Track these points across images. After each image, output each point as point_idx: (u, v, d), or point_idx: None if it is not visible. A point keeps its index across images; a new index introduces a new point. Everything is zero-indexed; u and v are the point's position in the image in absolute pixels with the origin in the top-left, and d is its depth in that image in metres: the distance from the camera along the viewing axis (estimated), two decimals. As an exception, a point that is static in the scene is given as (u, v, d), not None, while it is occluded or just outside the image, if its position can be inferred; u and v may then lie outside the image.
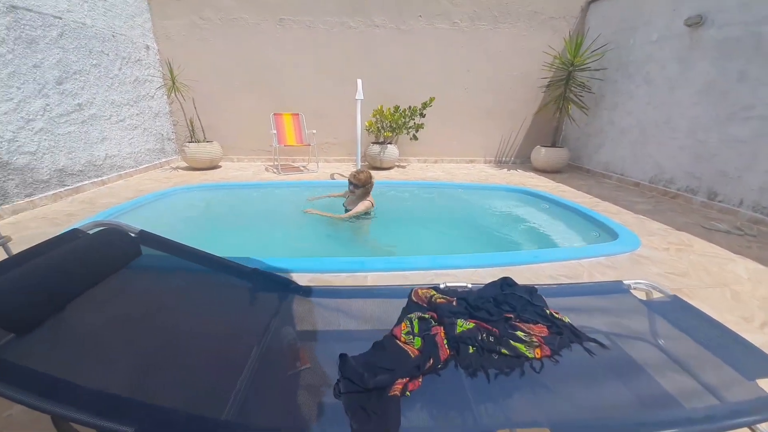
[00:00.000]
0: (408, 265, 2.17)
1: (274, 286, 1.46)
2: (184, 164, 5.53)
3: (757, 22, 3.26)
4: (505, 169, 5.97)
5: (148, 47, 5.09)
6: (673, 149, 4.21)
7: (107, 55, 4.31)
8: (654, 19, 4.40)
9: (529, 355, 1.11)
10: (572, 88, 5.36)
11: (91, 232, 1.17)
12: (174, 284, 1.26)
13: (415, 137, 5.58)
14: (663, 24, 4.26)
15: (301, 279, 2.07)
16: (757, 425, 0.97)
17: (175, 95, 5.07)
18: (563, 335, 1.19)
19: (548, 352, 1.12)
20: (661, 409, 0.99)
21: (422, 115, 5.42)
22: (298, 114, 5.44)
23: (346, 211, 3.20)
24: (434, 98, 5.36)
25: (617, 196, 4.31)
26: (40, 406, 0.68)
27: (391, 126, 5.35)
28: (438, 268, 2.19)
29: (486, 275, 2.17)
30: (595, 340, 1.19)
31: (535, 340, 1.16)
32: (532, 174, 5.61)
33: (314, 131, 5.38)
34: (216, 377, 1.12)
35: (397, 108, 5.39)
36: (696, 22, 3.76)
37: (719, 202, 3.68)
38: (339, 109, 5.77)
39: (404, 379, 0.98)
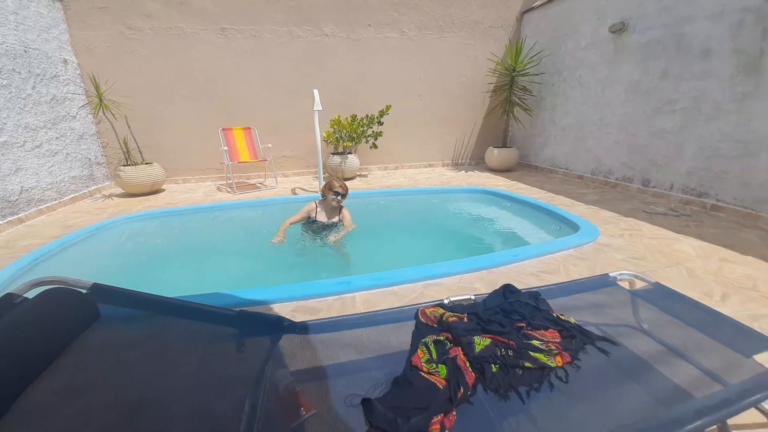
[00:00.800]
0: (396, 279, 2.09)
1: (263, 327, 1.29)
2: (119, 191, 4.91)
3: (677, 23, 3.71)
4: (463, 171, 6.18)
5: (66, 61, 4.46)
6: (608, 143, 4.65)
7: (19, 73, 3.70)
8: (581, 27, 4.86)
9: (552, 365, 1.09)
10: (515, 92, 5.72)
11: (29, 295, 0.93)
12: (146, 344, 1.04)
13: (374, 145, 5.55)
14: (590, 31, 4.72)
15: (285, 308, 1.90)
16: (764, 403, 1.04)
17: (104, 114, 4.50)
18: (576, 338, 1.20)
19: (569, 359, 1.11)
20: (677, 404, 1.01)
21: (380, 123, 5.42)
22: (249, 128, 5.13)
23: (325, 225, 3.08)
24: (390, 106, 5.39)
25: (567, 189, 4.65)
26: None
27: (350, 135, 5.27)
28: (426, 279, 2.14)
29: (473, 280, 2.18)
30: (606, 339, 1.21)
31: (552, 347, 1.15)
32: (488, 174, 5.86)
33: (270, 145, 5.11)
34: None
35: (354, 117, 5.32)
36: (619, 29, 4.21)
37: (653, 187, 4.12)
38: (293, 121, 5.55)
39: (439, 416, 0.90)
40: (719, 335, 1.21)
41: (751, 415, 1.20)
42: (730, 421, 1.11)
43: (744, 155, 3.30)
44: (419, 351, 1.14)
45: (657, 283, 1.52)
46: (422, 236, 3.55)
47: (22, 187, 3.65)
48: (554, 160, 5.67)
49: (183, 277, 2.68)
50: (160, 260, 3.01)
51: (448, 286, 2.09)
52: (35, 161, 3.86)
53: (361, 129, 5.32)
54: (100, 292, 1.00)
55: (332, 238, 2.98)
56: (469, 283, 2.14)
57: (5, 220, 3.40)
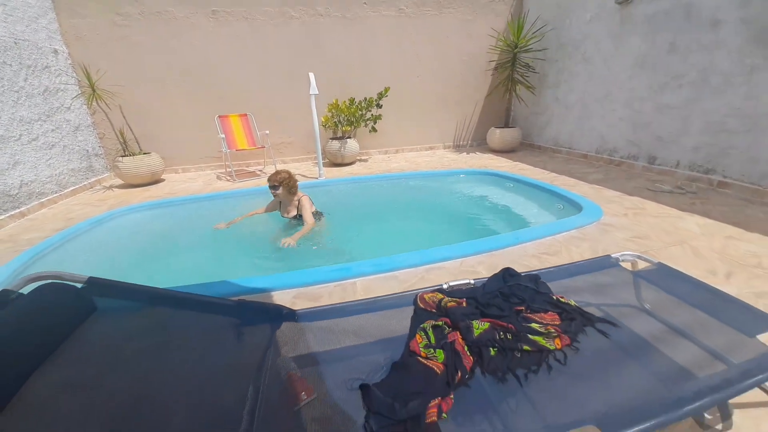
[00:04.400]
0: (397, 264, 2.09)
1: (263, 316, 1.30)
2: (119, 182, 4.90)
3: None
4: (465, 153, 6.09)
5: (56, 51, 4.37)
6: (613, 120, 4.54)
7: (10, 65, 3.63)
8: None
9: (550, 347, 1.09)
10: (518, 69, 5.56)
11: (24, 290, 0.93)
12: (144, 336, 1.05)
13: (374, 129, 5.46)
14: (595, 3, 4.52)
15: (286, 295, 1.91)
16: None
17: (97, 104, 4.44)
18: (576, 320, 1.19)
19: (567, 341, 1.11)
20: (679, 384, 1.00)
21: (379, 106, 5.31)
22: (246, 114, 5.05)
23: (289, 220, 3.00)
24: (389, 88, 5.26)
25: (570, 168, 4.57)
26: None
27: (348, 120, 5.18)
28: (427, 263, 2.13)
29: (474, 263, 2.17)
30: (605, 320, 1.20)
31: (551, 330, 1.14)
32: (490, 155, 5.77)
33: (267, 132, 5.04)
34: (214, 429, 0.96)
35: (352, 101, 5.21)
36: (626, 0, 4.02)
37: (658, 165, 4.04)
38: (291, 106, 5.45)
39: (437, 400, 0.90)
40: (723, 315, 1.19)
41: (754, 395, 1.20)
42: (732, 400, 1.10)
43: (752, 130, 3.20)
44: (417, 336, 1.14)
45: (660, 262, 1.50)
46: (423, 220, 3.53)
47: (22, 180, 3.65)
48: (558, 139, 5.56)
49: (188, 265, 2.70)
50: (163, 250, 3.03)
51: (449, 270, 2.09)
52: (33, 154, 3.84)
53: (360, 113, 5.22)
54: (95, 285, 1.00)
55: (286, 240, 2.59)
56: (471, 267, 2.13)
57: (7, 215, 3.41)
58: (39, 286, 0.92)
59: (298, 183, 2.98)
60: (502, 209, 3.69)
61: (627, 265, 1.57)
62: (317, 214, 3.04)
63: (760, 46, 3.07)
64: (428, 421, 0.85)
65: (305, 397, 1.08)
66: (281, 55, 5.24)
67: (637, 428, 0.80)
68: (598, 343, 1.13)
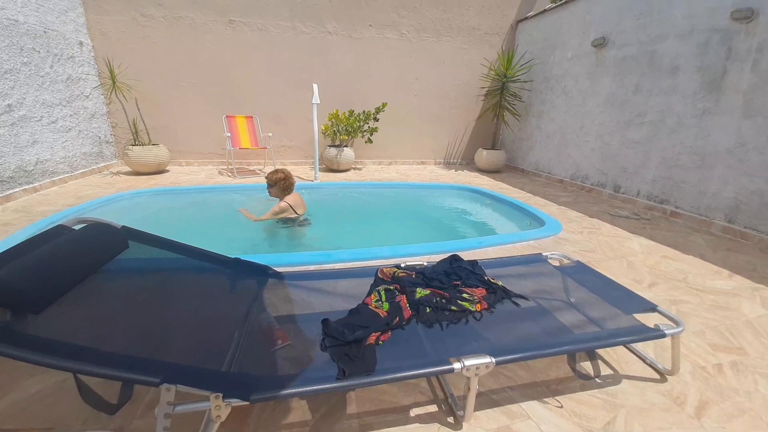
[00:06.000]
0: (372, 255, 2.41)
1: (253, 272, 1.61)
2: (126, 169, 5.21)
3: (650, 41, 4.03)
4: (453, 170, 6.50)
5: (81, 43, 4.74)
6: (586, 151, 4.98)
7: (38, 52, 3.98)
8: (569, 39, 5.17)
9: (472, 309, 1.41)
10: (506, 98, 6.04)
11: (75, 227, 1.24)
12: (162, 274, 1.36)
13: (369, 140, 5.86)
14: (576, 44, 5.03)
15: (272, 272, 2.22)
16: (632, 344, 1.37)
17: (115, 95, 4.79)
18: (497, 294, 1.52)
19: (486, 306, 1.44)
20: (557, 335, 1.33)
21: (376, 119, 5.72)
22: (252, 116, 5.43)
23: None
24: (386, 104, 5.69)
25: (546, 191, 4.97)
26: (69, 367, 0.80)
27: (346, 129, 5.58)
28: (399, 257, 2.45)
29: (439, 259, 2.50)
30: (520, 296, 1.54)
31: (476, 298, 1.47)
32: (476, 174, 6.18)
33: (270, 134, 5.41)
34: (205, 359, 1.25)
35: (351, 112, 5.63)
36: (600, 43, 4.52)
37: (622, 193, 4.45)
38: (294, 112, 5.85)
39: (377, 333, 1.22)
40: (612, 299, 1.54)
41: (623, 353, 1.53)
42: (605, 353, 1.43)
43: (701, 167, 3.62)
44: (372, 295, 1.46)
45: (578, 261, 1.85)
46: (405, 224, 3.88)
47: (38, 158, 3.95)
48: (538, 164, 6.00)
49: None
50: (164, 232, 3.31)
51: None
52: (51, 135, 4.15)
53: (358, 124, 5.62)
54: (128, 231, 1.31)
55: (245, 211, 3.09)
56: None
57: (21, 188, 3.69)
58: (88, 225, 1.24)
59: (294, 186, 3.20)
60: (475, 220, 4.05)
61: (554, 262, 1.91)
62: (297, 221, 3.17)
63: (713, 92, 3.51)
64: (367, 343, 1.16)
65: (281, 343, 1.37)
66: (289, 65, 5.67)
67: (517, 356, 1.13)
68: (510, 310, 1.46)
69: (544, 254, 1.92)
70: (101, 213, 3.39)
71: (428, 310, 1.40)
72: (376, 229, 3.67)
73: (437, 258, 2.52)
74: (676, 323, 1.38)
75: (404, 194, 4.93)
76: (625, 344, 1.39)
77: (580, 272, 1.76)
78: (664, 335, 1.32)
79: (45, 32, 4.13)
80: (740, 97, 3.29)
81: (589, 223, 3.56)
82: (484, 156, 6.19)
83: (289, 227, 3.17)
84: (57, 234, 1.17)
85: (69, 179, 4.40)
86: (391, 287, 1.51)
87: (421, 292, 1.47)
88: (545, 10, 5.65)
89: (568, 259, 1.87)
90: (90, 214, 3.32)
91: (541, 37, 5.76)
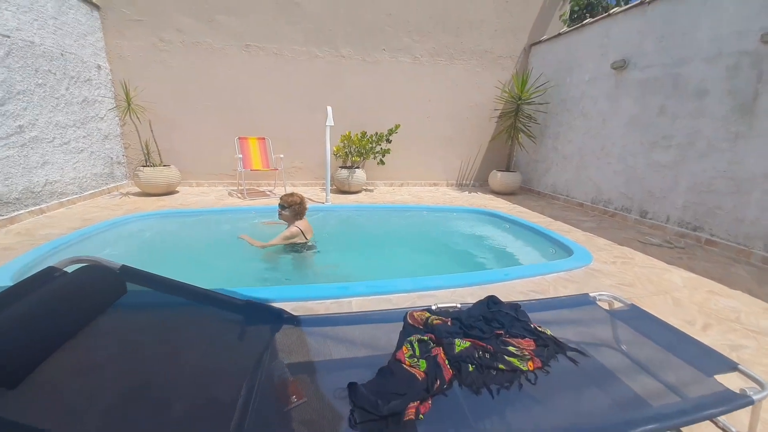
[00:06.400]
0: (391, 288, 2.21)
1: (265, 317, 1.42)
2: (135, 190, 5.14)
3: (674, 64, 3.91)
4: (466, 192, 6.33)
5: (99, 67, 4.79)
6: (608, 173, 4.79)
7: (54, 74, 4.00)
8: (585, 62, 5.10)
9: (523, 368, 1.20)
10: (521, 119, 5.94)
11: (68, 270, 1.08)
12: (163, 321, 1.18)
13: (381, 162, 5.76)
14: (593, 66, 4.95)
15: (284, 307, 2.01)
16: (718, 418, 1.13)
17: (130, 117, 4.79)
18: (549, 347, 1.30)
19: (539, 364, 1.22)
20: (633, 410, 1.10)
21: (388, 141, 5.64)
22: (264, 138, 5.38)
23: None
24: (399, 125, 5.62)
25: (566, 215, 4.75)
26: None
27: (359, 151, 5.49)
28: (420, 290, 2.25)
29: (465, 294, 2.28)
30: (576, 350, 1.31)
31: (526, 353, 1.25)
32: (491, 196, 6.01)
33: (282, 155, 5.34)
34: (207, 418, 1.06)
35: (364, 134, 5.56)
36: (620, 66, 4.42)
37: (650, 219, 4.22)
38: (306, 134, 5.81)
39: (416, 403, 1.01)
40: (685, 355, 1.30)
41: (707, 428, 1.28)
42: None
43: (737, 192, 3.40)
44: (404, 347, 1.25)
45: (633, 304, 1.62)
46: (421, 250, 3.68)
47: (47, 179, 3.88)
48: (556, 187, 5.81)
49: (191, 273, 2.82)
50: (170, 257, 3.17)
51: (439, 298, 2.20)
52: (62, 157, 4.11)
53: (370, 145, 5.54)
54: (127, 272, 1.14)
55: (247, 237, 2.98)
56: (461, 297, 2.24)
57: (27, 210, 3.60)
58: (82, 267, 1.07)
59: (306, 210, 3.08)
60: (496, 247, 3.84)
61: (604, 305, 1.69)
62: (304, 247, 3.05)
63: (745, 115, 3.34)
64: (406, 419, 0.95)
65: (296, 400, 1.17)
66: (303, 88, 5.68)
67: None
68: (567, 369, 1.24)
69: (591, 295, 1.70)
70: (104, 239, 3.26)
71: (471, 368, 1.19)
72: (391, 256, 3.47)
73: (461, 292, 2.33)
74: (761, 386, 1.14)
75: (419, 218, 4.75)
76: (712, 418, 1.15)
77: (636, 318, 1.54)
78: (752, 402, 1.08)
79: (62, 54, 4.16)
80: (776, 121, 3.11)
81: (619, 251, 3.32)
82: (498, 178, 6.04)
83: (296, 253, 3.02)
84: (46, 279, 1.00)
85: (77, 200, 4.32)
86: (425, 338, 1.30)
87: (460, 345, 1.26)
88: (560, 34, 5.62)
89: (620, 301, 1.65)
90: (93, 239, 3.19)
91: (556, 59, 5.71)
